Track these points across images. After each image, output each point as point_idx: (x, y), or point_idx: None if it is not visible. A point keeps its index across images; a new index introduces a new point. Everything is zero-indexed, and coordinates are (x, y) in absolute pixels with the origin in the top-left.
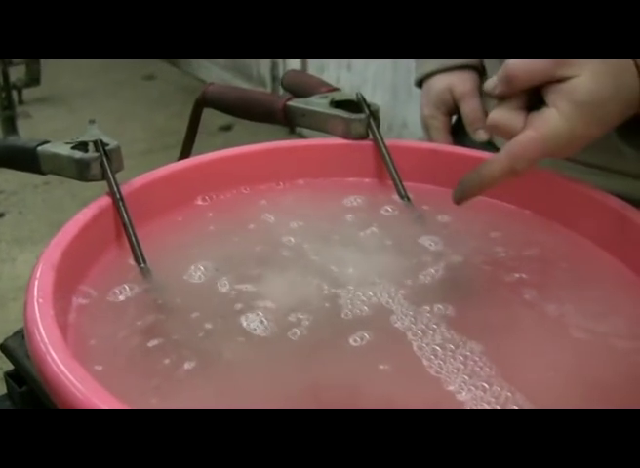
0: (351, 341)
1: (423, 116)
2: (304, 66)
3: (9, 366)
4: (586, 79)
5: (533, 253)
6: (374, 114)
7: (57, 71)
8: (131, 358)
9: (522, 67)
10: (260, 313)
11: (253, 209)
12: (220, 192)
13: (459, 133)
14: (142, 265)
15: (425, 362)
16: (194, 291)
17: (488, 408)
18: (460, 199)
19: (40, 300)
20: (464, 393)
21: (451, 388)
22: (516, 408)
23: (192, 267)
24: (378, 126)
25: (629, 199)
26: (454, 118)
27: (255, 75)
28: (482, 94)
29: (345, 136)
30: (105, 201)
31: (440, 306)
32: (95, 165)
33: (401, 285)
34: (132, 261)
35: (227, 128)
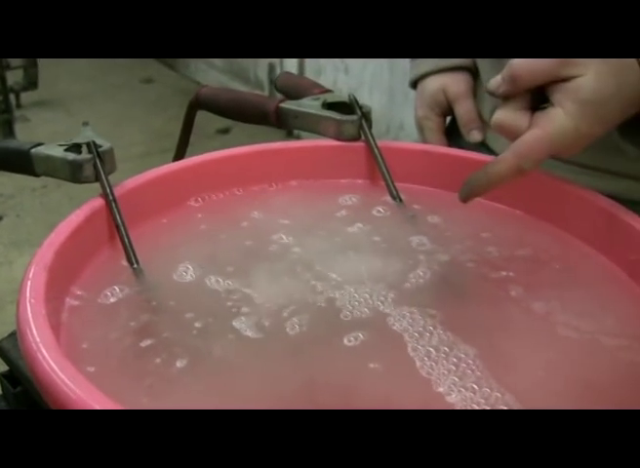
0: (345, 341)
1: (417, 117)
2: (302, 69)
3: (4, 367)
4: (591, 78)
5: (524, 253)
6: (366, 115)
7: (54, 75)
8: (123, 358)
9: (526, 67)
10: (253, 312)
11: (245, 209)
12: (212, 193)
13: (453, 134)
14: (135, 266)
15: (418, 363)
16: (186, 290)
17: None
18: (466, 198)
19: (32, 300)
20: (454, 395)
21: (441, 390)
22: (505, 409)
23: (184, 267)
24: (370, 127)
25: (623, 199)
26: (448, 119)
27: (252, 78)
28: (476, 95)
29: (338, 138)
30: (98, 202)
31: (431, 307)
32: (87, 166)
33: (393, 285)
34: (124, 262)
35: (225, 131)
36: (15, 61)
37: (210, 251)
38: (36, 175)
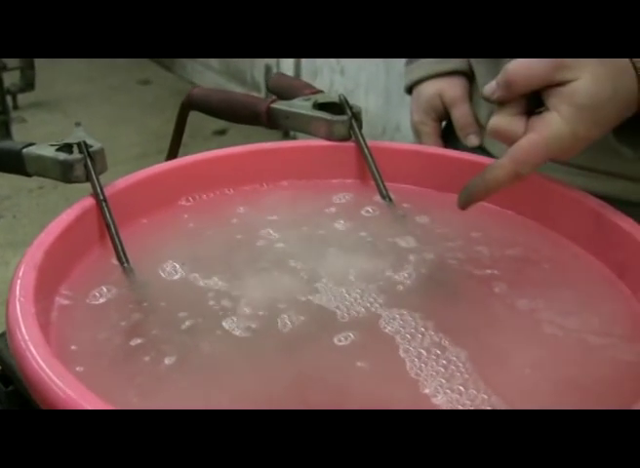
0: (335, 340)
1: (414, 122)
2: (298, 70)
3: None
4: (586, 82)
5: (514, 252)
6: (356, 116)
7: (51, 76)
8: (113, 357)
9: (521, 72)
10: (242, 310)
11: (235, 209)
12: (203, 193)
13: (449, 137)
14: (125, 265)
15: (408, 364)
16: (176, 289)
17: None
18: (465, 204)
19: (22, 299)
20: (440, 396)
21: (427, 391)
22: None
23: (175, 266)
24: (360, 127)
25: (619, 200)
26: (443, 123)
27: (249, 80)
28: (472, 99)
29: (328, 138)
30: (89, 202)
31: (421, 308)
32: (78, 166)
33: (383, 285)
34: (115, 261)
35: (222, 132)
36: (12, 63)
37: (200, 249)
38: (28, 174)
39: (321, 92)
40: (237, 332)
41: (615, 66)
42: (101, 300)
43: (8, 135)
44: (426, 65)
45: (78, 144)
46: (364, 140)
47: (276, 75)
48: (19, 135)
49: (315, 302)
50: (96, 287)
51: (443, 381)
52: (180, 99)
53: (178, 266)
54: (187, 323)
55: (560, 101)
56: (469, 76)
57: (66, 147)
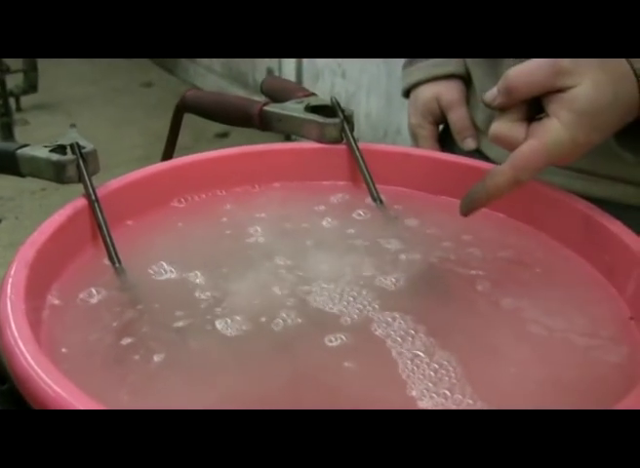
0: (326, 341)
1: (411, 125)
2: (299, 73)
3: None
4: (586, 88)
5: (505, 254)
6: (348, 118)
7: (54, 78)
8: (104, 356)
9: (522, 79)
10: (233, 310)
11: (227, 210)
12: (195, 194)
13: (446, 141)
14: (117, 265)
15: (401, 366)
16: (168, 289)
17: None
18: (467, 211)
19: (12, 297)
20: (426, 400)
21: (414, 394)
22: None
23: (166, 266)
24: (352, 130)
25: (619, 204)
26: (441, 127)
27: (251, 82)
28: (469, 103)
29: (320, 140)
30: (81, 202)
31: (413, 310)
32: (71, 167)
33: (374, 287)
34: (107, 261)
35: (224, 135)
36: (15, 65)
37: (191, 249)
38: (22, 175)
39: (314, 94)
40: (228, 332)
41: (615, 72)
42: (93, 300)
43: (10, 136)
44: (424, 69)
45: (71, 145)
46: (355, 143)
47: (269, 78)
48: (21, 137)
49: (308, 303)
50: (87, 287)
51: (430, 385)
52: None
53: (169, 266)
54: (180, 323)
55: (560, 107)
56: (466, 80)
57: (60, 148)
